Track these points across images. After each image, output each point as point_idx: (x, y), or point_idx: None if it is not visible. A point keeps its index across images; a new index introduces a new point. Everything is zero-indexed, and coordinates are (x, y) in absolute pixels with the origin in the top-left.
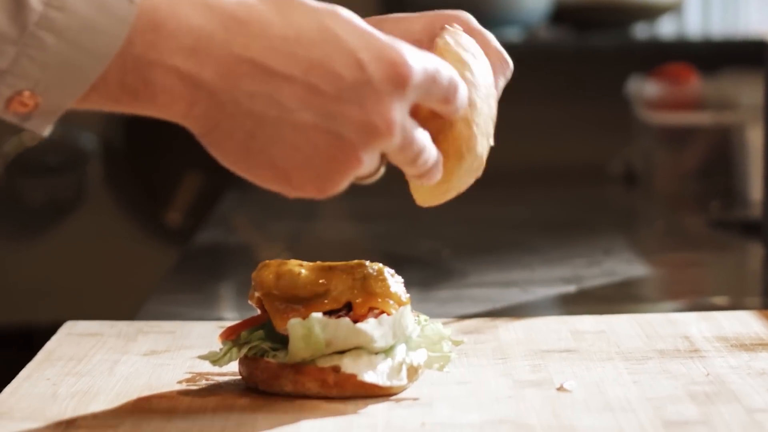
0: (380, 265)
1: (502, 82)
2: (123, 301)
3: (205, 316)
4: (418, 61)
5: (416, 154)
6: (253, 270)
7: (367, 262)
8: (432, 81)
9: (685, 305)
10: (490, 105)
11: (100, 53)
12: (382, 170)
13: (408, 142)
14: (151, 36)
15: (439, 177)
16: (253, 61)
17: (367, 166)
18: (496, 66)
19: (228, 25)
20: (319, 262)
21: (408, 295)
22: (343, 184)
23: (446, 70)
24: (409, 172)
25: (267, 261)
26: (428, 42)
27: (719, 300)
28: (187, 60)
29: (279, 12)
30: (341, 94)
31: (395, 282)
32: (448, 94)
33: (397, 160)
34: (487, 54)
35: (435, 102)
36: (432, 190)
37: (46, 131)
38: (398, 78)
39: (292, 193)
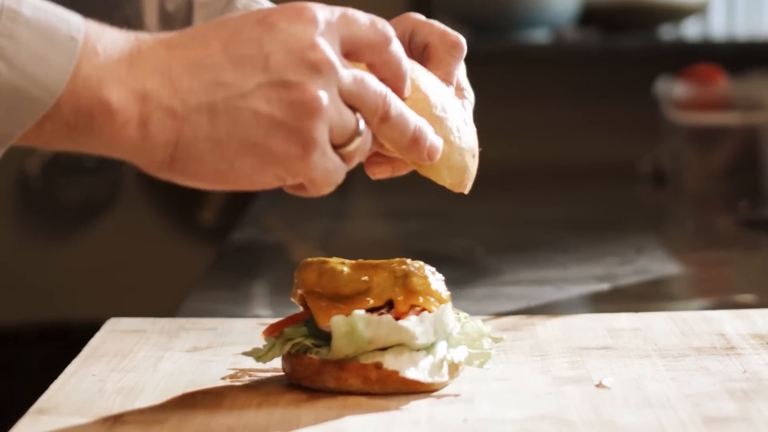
0: (421, 263)
1: (459, 67)
2: (158, 299)
3: (242, 313)
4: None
5: (377, 96)
6: (289, 268)
7: (408, 260)
8: (347, 19)
9: (716, 303)
10: (450, 112)
11: (50, 85)
12: (362, 135)
13: (359, 79)
14: (95, 59)
15: (435, 143)
16: (182, 61)
17: (336, 122)
18: (447, 54)
19: (146, 40)
20: (360, 260)
21: (448, 292)
22: (320, 140)
23: (362, 15)
24: (393, 134)
25: (309, 259)
26: None
27: (749, 297)
28: (129, 74)
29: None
30: (263, 46)
31: (436, 280)
32: (376, 37)
33: (367, 112)
34: (433, 38)
35: (365, 48)
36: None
37: None
38: (300, 10)
39: (290, 181)
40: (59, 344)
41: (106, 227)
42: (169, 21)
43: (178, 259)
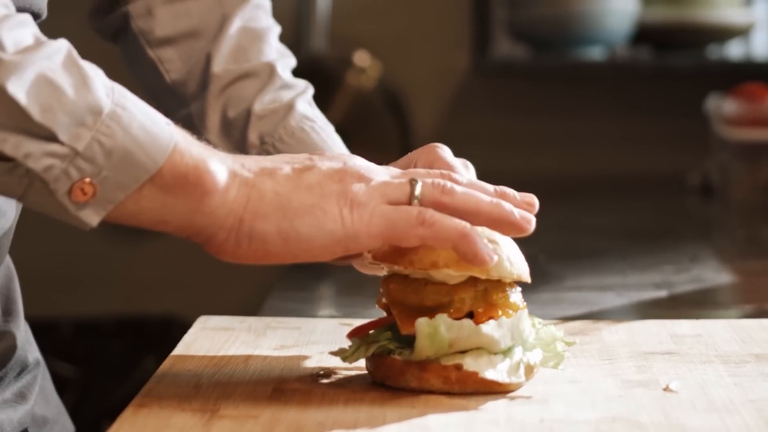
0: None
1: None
2: (232, 297)
3: (319, 311)
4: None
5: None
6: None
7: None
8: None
9: (767, 310)
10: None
11: (156, 153)
12: (419, 189)
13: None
14: (187, 142)
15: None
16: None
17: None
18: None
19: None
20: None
21: (525, 303)
22: (364, 200)
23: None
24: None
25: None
26: None
27: None
28: (220, 155)
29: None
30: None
31: (513, 292)
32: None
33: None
34: None
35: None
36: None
37: (95, 222)
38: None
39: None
40: (136, 336)
41: None
42: (228, 126)
43: None
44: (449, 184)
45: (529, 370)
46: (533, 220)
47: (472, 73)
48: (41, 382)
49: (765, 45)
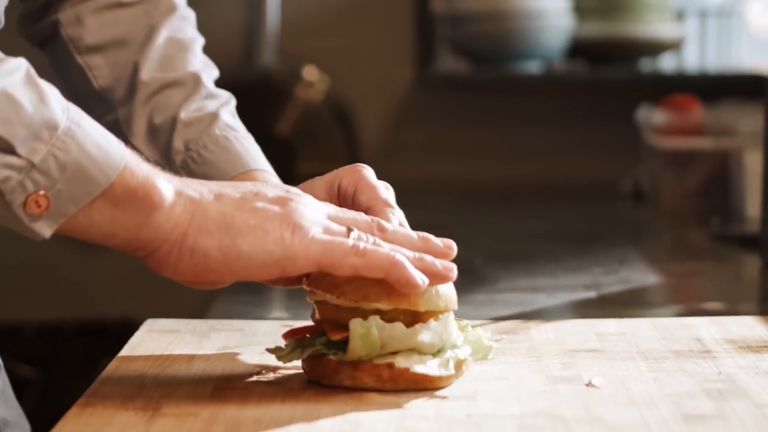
0: None
1: (395, 221)
2: (186, 299)
3: (263, 315)
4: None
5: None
6: None
7: None
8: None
9: (691, 309)
10: None
11: (108, 169)
12: (354, 235)
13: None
14: (138, 161)
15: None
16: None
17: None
18: (382, 213)
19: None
20: None
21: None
22: (305, 226)
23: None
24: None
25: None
26: (330, 200)
27: (719, 305)
28: (171, 178)
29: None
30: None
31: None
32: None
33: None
34: (374, 204)
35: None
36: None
37: (48, 234)
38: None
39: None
40: (95, 339)
41: None
42: (154, 132)
43: None
44: (378, 241)
45: (459, 365)
46: (454, 268)
47: (416, 87)
48: (1, 385)
49: (695, 58)
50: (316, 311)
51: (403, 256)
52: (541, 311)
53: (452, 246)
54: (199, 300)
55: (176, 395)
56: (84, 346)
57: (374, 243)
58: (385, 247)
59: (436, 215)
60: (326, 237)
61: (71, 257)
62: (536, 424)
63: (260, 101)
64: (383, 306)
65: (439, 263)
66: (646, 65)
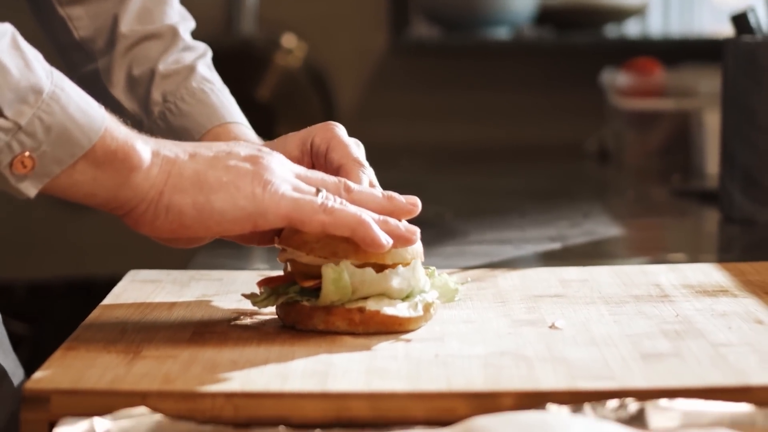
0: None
1: (366, 180)
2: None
3: (243, 266)
4: None
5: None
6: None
7: None
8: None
9: (652, 260)
10: None
11: (90, 131)
12: (322, 195)
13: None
14: (117, 124)
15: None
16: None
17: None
18: (353, 172)
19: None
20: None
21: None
22: (275, 181)
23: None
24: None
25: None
26: (303, 156)
27: (679, 256)
28: (148, 140)
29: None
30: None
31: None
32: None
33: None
34: (346, 162)
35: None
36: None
37: (33, 194)
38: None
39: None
40: (84, 296)
41: None
42: (132, 83)
43: None
44: (344, 202)
45: (427, 307)
46: (417, 232)
47: (390, 53)
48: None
49: (659, 24)
50: (288, 265)
51: (369, 217)
52: (508, 261)
53: (417, 203)
54: (182, 260)
55: (156, 339)
56: (73, 303)
57: (341, 204)
58: (351, 208)
59: (409, 175)
60: (296, 194)
61: (61, 218)
62: (501, 363)
63: (241, 68)
64: (352, 262)
65: (403, 226)
66: (611, 31)
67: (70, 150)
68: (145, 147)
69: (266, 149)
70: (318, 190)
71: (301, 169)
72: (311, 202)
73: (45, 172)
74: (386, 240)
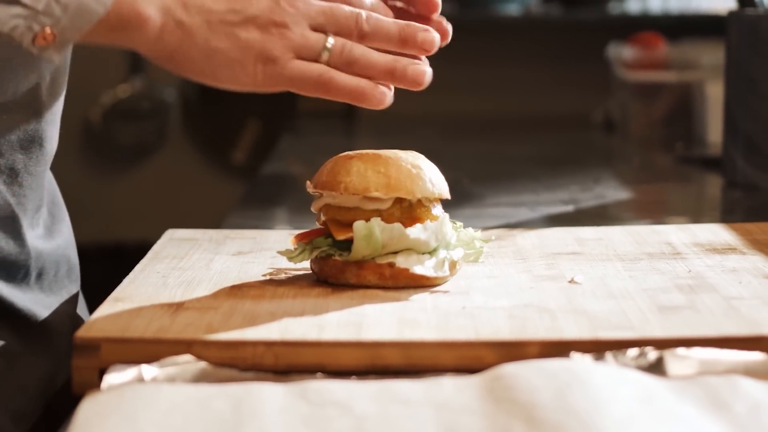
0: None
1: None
2: (200, 224)
3: (274, 226)
4: None
5: (348, 19)
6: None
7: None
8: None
9: (658, 222)
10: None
11: (104, 1)
12: (330, 50)
13: (327, 11)
14: None
15: (428, 37)
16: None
17: (302, 44)
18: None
19: None
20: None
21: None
22: (279, 56)
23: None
24: (381, 43)
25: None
26: None
27: (683, 219)
28: (156, 1)
29: None
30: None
31: (434, 206)
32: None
33: (344, 34)
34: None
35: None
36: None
37: (57, 60)
38: None
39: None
40: (114, 261)
41: (155, 164)
42: None
43: (216, 191)
44: (356, 47)
45: (453, 265)
46: (426, 75)
47: None
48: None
49: (659, 1)
50: (322, 215)
51: (367, 84)
52: (524, 222)
53: (433, 39)
54: (213, 222)
55: (197, 292)
56: (104, 268)
57: (348, 55)
58: (360, 60)
59: (424, 143)
60: (296, 70)
61: (92, 186)
62: (524, 314)
63: None
64: (382, 195)
65: (411, 72)
66: (614, 7)
67: (88, 18)
68: (155, 11)
69: None
70: (325, 47)
71: (317, 7)
72: (309, 78)
73: (65, 39)
74: (383, 95)
